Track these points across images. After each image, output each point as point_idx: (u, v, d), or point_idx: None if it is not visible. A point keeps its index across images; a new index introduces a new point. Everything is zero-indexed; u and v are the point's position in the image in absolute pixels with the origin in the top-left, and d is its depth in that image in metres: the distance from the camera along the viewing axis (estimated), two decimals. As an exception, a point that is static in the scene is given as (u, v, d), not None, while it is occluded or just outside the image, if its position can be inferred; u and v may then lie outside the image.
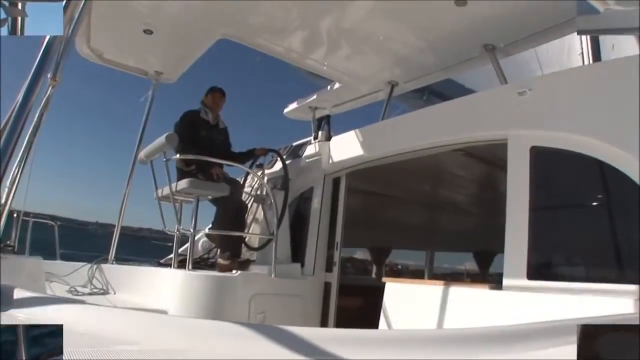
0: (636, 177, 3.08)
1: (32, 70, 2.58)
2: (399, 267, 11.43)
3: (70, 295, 5.46)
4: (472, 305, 3.82)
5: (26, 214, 6.36)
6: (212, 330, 1.49)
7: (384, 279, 4.77)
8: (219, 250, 6.00)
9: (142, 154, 5.62)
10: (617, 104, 3.34)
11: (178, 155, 5.48)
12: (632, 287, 2.91)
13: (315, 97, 7.27)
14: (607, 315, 1.95)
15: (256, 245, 6.07)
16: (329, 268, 5.80)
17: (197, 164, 5.57)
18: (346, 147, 5.82)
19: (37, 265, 5.13)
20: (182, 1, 5.09)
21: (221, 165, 5.86)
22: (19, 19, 2.53)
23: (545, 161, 3.72)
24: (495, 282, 3.83)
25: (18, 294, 1.71)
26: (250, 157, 6.44)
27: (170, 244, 6.19)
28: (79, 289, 5.80)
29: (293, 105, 7.73)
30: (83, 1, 3.04)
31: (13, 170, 3.43)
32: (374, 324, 4.53)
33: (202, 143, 5.74)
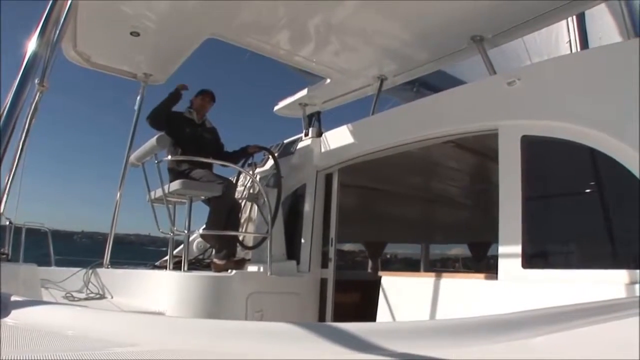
0: (626, 163, 3.10)
1: (19, 76, 2.56)
2: (395, 257, 11.48)
3: (66, 301, 5.45)
4: (468, 296, 3.84)
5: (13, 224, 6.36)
6: (211, 330, 1.49)
7: (379, 273, 4.79)
8: (214, 250, 5.99)
9: (133, 157, 5.61)
10: (605, 90, 3.36)
11: (169, 157, 5.47)
12: (626, 273, 2.94)
13: (304, 93, 7.26)
14: (603, 300, 1.97)
15: (251, 244, 6.06)
16: (324, 264, 5.81)
17: (189, 163, 5.57)
18: (337, 142, 5.83)
19: (32, 272, 5.12)
20: (168, 2, 5.07)
21: (211, 165, 5.86)
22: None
23: (536, 150, 3.73)
24: (491, 272, 3.84)
25: (15, 301, 1.71)
26: (243, 155, 6.42)
27: (164, 249, 6.16)
28: (75, 294, 5.80)
29: (283, 103, 7.72)
30: (68, 4, 3.02)
31: (4, 177, 3.42)
32: (372, 319, 4.54)
33: (187, 140, 5.75)
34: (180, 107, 6.10)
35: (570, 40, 7.42)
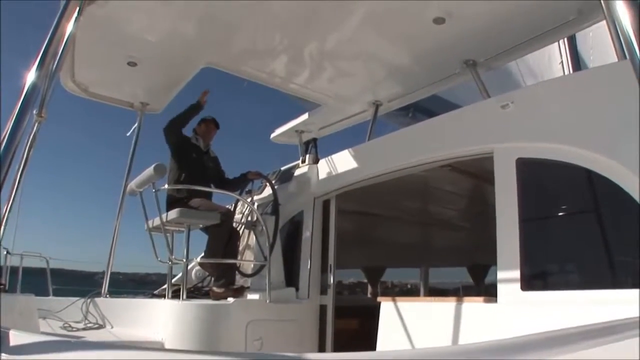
0: (622, 182, 3.11)
1: (17, 107, 2.58)
2: (395, 286, 11.43)
3: (65, 332, 5.40)
4: (469, 320, 3.82)
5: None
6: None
7: (379, 298, 4.76)
8: (212, 278, 5.97)
9: (131, 185, 5.61)
10: (599, 111, 3.39)
11: (167, 186, 5.47)
12: (626, 293, 2.93)
13: (300, 120, 7.30)
14: (604, 321, 1.96)
15: (250, 271, 6.04)
16: (323, 291, 5.78)
17: (189, 191, 5.59)
18: (334, 169, 5.84)
19: (29, 303, 5.09)
20: (164, 32, 5.13)
21: (210, 194, 5.87)
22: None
23: (532, 172, 3.74)
24: (491, 295, 3.83)
25: (13, 336, 1.69)
26: (243, 181, 6.46)
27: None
28: (73, 324, 5.74)
29: (279, 130, 7.76)
30: (66, 35, 3.05)
31: (2, 208, 3.41)
32: (373, 344, 4.51)
33: (192, 165, 5.78)
34: (187, 131, 6.17)
35: (562, 62, 7.51)
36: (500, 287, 3.66)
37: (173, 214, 5.25)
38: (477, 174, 5.32)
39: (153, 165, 4.95)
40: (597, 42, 6.80)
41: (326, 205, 6.01)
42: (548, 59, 7.73)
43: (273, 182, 6.42)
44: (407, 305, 4.54)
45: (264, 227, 5.59)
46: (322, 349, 5.52)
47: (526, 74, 7.73)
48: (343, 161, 5.74)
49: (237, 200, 6.54)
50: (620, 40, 2.30)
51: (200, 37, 5.17)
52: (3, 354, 1.52)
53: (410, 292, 10.76)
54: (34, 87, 2.70)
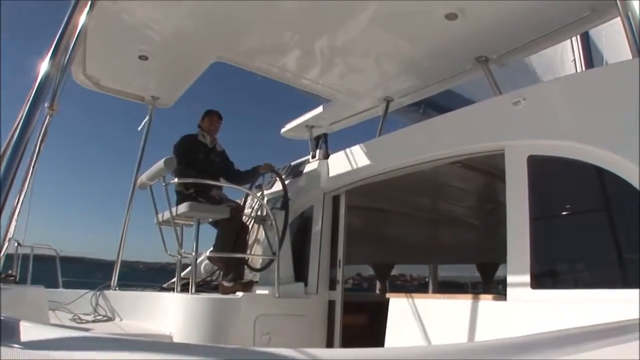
0: (634, 181, 3.09)
1: (29, 100, 2.59)
2: (403, 278, 11.43)
3: (74, 324, 5.44)
4: (477, 317, 3.81)
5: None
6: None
7: (387, 295, 4.75)
8: (221, 272, 5.98)
9: (141, 179, 5.63)
10: (611, 109, 3.36)
11: (176, 179, 5.49)
12: (636, 292, 2.90)
13: (311, 115, 7.30)
14: (610, 322, 1.95)
15: (258, 266, 6.05)
16: (332, 286, 5.78)
17: (197, 187, 5.59)
18: (344, 164, 5.83)
19: (39, 295, 5.12)
20: (175, 26, 5.13)
21: (220, 187, 5.88)
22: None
23: (543, 170, 3.72)
24: (500, 292, 3.81)
25: (23, 327, 1.69)
26: (254, 175, 6.45)
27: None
28: (82, 316, 5.78)
29: (290, 125, 7.76)
30: (78, 29, 3.06)
31: (13, 201, 3.44)
32: (381, 341, 4.51)
33: (200, 166, 5.77)
34: (192, 129, 6.18)
35: (575, 59, 7.46)
36: (510, 285, 3.64)
37: (183, 207, 5.26)
38: (489, 171, 5.30)
39: (163, 159, 4.96)
40: (610, 40, 6.74)
41: (336, 200, 6.00)
42: (560, 57, 7.68)
43: (283, 176, 6.41)
44: (416, 302, 4.53)
45: (273, 222, 5.59)
46: (330, 344, 5.52)
47: (538, 71, 7.68)
48: (353, 157, 5.72)
49: (247, 195, 6.55)
50: (635, 37, 2.28)
51: (211, 32, 5.17)
52: (13, 344, 1.53)
53: (427, 285, 10.71)
54: (45, 80, 2.71)
